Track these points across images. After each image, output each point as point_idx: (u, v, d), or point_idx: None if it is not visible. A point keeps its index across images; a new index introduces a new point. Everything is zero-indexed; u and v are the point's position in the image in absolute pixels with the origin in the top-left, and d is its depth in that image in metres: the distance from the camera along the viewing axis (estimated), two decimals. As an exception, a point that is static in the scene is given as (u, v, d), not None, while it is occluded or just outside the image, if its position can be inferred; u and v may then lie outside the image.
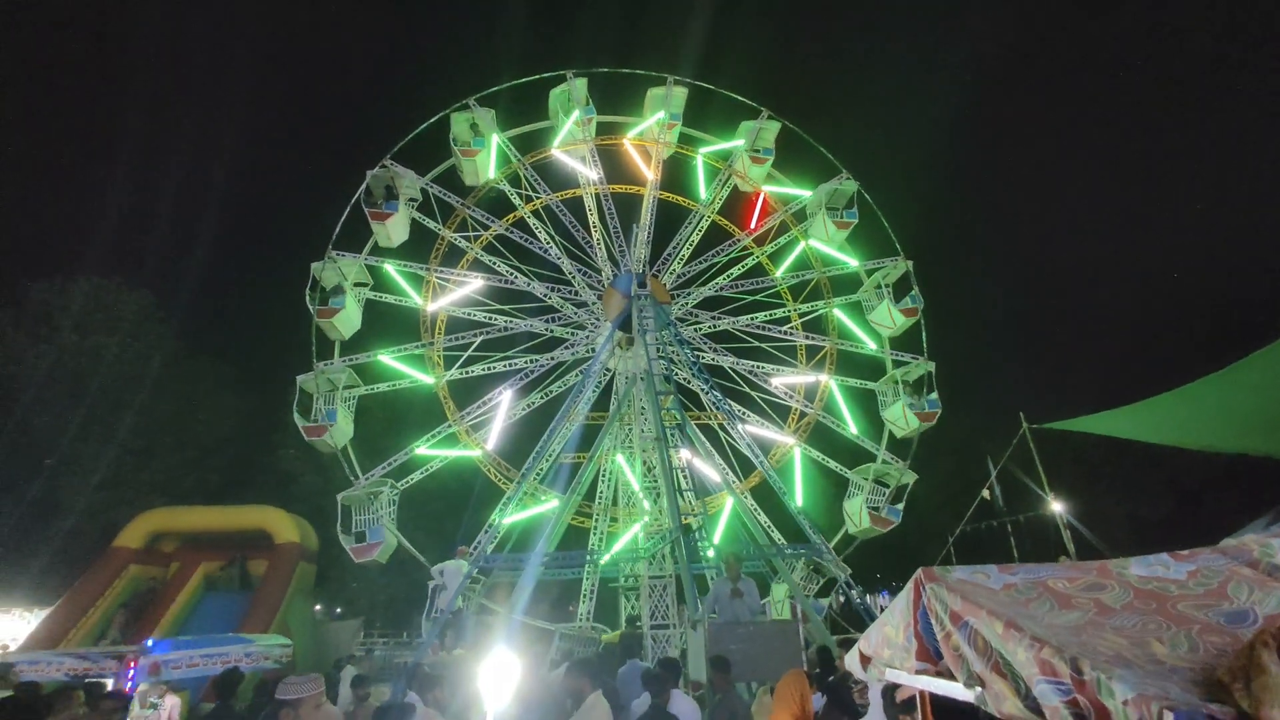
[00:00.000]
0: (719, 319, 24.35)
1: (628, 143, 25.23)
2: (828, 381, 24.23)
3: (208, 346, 33.21)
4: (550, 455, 20.70)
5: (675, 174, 25.90)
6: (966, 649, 2.22)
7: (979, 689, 2.18)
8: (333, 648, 17.76)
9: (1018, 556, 19.57)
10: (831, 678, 5.49)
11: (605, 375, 22.78)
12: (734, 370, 23.84)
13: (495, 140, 23.22)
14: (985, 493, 17.33)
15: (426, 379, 22.17)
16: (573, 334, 23.10)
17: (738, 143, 25.03)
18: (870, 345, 24.34)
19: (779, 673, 7.86)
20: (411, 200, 22.57)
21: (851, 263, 24.77)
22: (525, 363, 22.51)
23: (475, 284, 22.87)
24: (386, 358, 21.91)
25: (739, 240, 25.04)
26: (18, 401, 24.20)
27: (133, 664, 9.16)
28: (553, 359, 22.74)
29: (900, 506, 22.35)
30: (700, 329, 24.26)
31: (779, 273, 25.22)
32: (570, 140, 24.21)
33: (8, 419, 23.85)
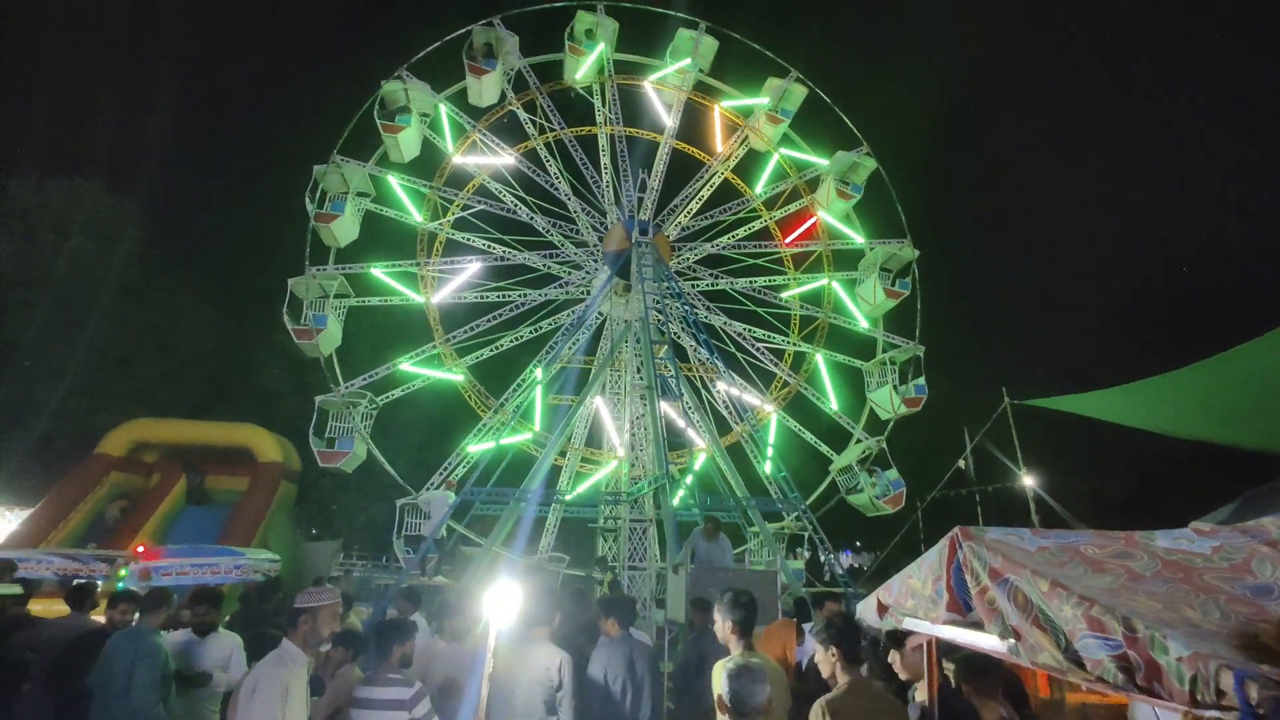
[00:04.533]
0: (719, 278, 24.24)
1: (648, 85, 24.52)
2: (815, 355, 24.40)
3: (191, 258, 32.50)
4: (528, 384, 20.95)
5: (691, 123, 25.32)
6: (1005, 603, 2.35)
7: (1013, 640, 2.32)
8: (311, 567, 18.01)
9: (982, 524, 20.37)
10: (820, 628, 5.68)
11: (597, 319, 22.82)
12: (724, 331, 23.85)
13: (514, 62, 22.59)
14: (961, 462, 17.83)
15: (417, 297, 22.12)
16: (569, 273, 22.97)
17: (762, 100, 24.34)
18: (864, 324, 24.33)
19: (759, 618, 8.23)
20: (424, 115, 22.09)
21: (859, 239, 24.54)
22: (518, 295, 22.40)
23: (478, 208, 22.65)
24: (379, 271, 21.77)
25: (748, 201, 24.69)
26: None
27: (123, 567, 9.27)
28: (544, 295, 22.67)
29: (923, 380, 22.95)
30: (699, 285, 24.17)
31: (787, 241, 25.00)
32: (590, 75, 23.56)
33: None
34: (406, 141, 21.48)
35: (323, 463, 19.90)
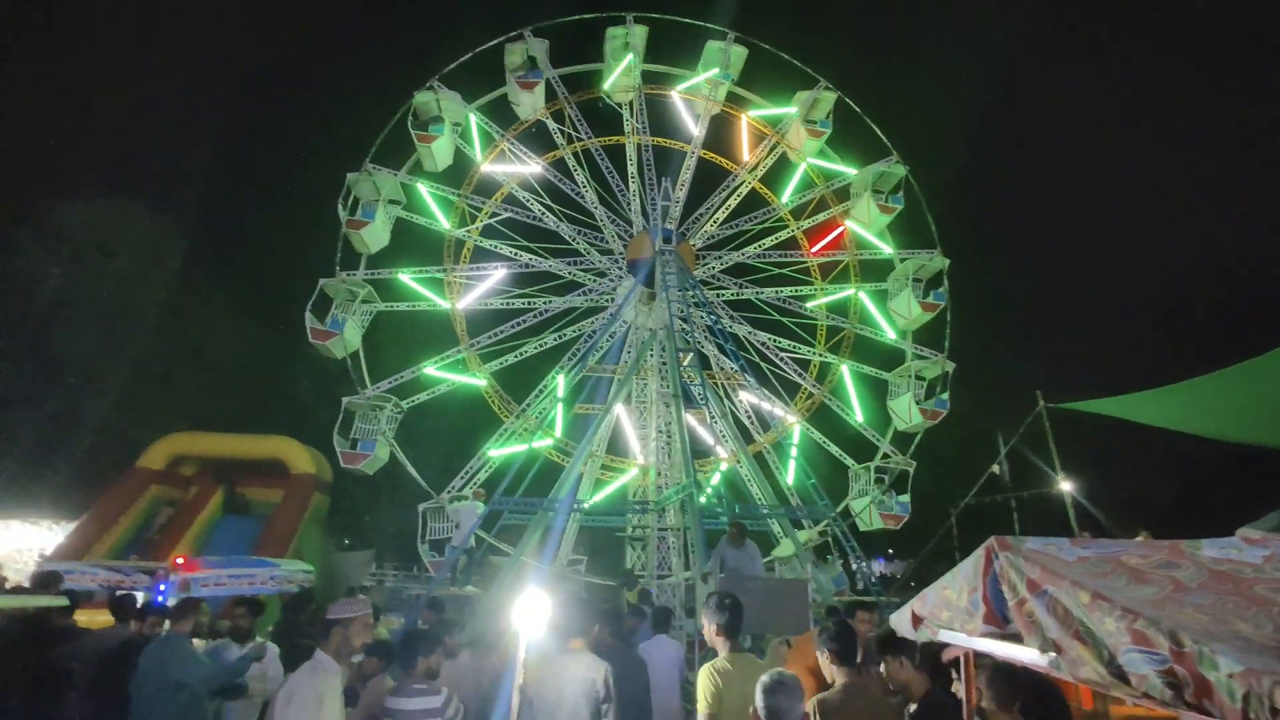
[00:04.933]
0: (744, 287, 24.12)
1: (676, 95, 24.68)
2: (841, 366, 24.06)
3: (226, 274, 33.33)
4: (549, 390, 21.07)
5: (719, 133, 25.40)
6: (1044, 616, 2.29)
7: (1054, 654, 2.25)
8: (344, 577, 18.25)
9: (1019, 531, 19.90)
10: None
11: (621, 327, 22.87)
12: (749, 340, 23.67)
13: (548, 72, 23.05)
14: (995, 467, 17.42)
15: (443, 303, 22.42)
16: (594, 280, 23.10)
17: (790, 110, 24.32)
18: (891, 335, 23.91)
19: (786, 627, 8.10)
20: (456, 125, 22.55)
21: (887, 250, 24.24)
22: (543, 302, 22.60)
23: (504, 216, 23.03)
24: (406, 277, 22.16)
25: (775, 210, 24.58)
26: (40, 318, 24.52)
27: (163, 579, 9.49)
28: (567, 302, 22.90)
29: (946, 396, 22.51)
30: (723, 294, 24.07)
31: (814, 249, 24.79)
32: (619, 86, 23.83)
33: (31, 334, 24.22)
34: (440, 150, 21.99)
35: (344, 463, 20.18)
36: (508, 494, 15.43)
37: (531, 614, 4.46)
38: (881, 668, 4.62)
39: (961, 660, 3.34)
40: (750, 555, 10.76)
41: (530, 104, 23.04)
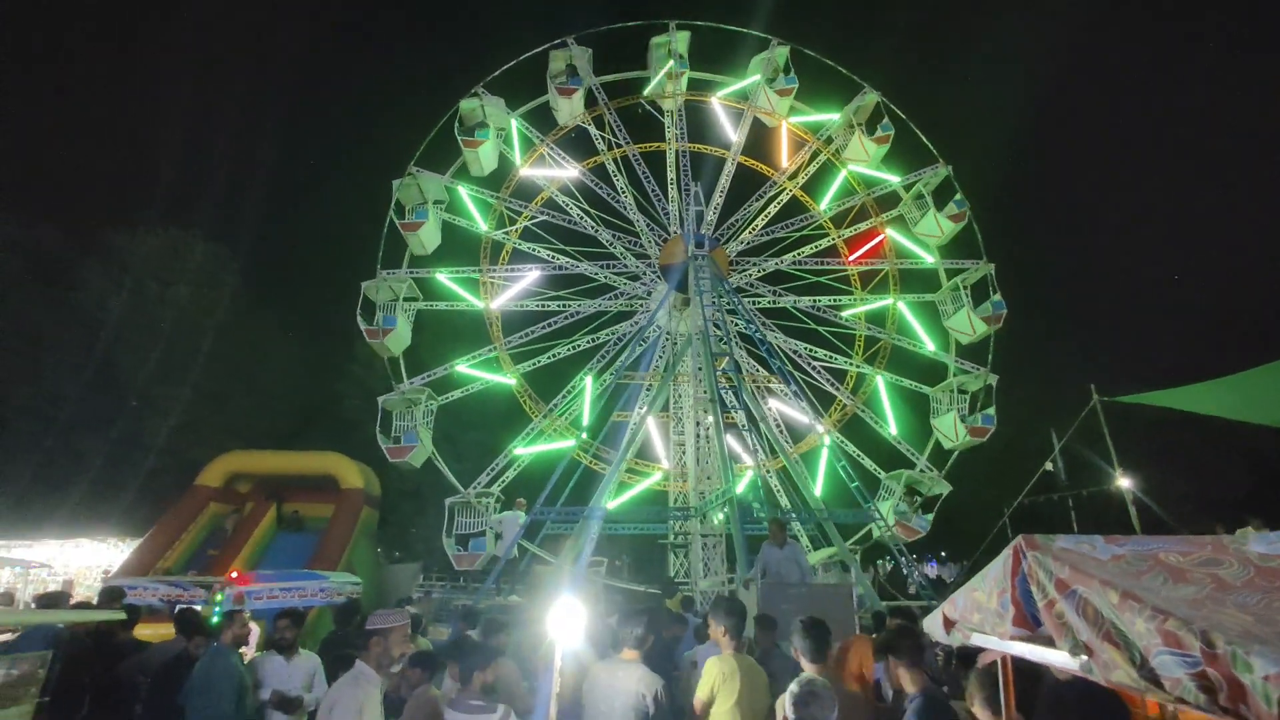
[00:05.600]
0: (780, 295, 23.88)
1: (716, 102, 24.76)
2: (876, 377, 23.59)
3: (274, 297, 34.56)
4: (577, 391, 21.16)
5: (759, 140, 25.28)
6: (1073, 617, 2.19)
7: (1084, 657, 2.15)
8: (393, 589, 18.63)
9: (1077, 531, 19.14)
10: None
11: (654, 333, 22.89)
12: (782, 349, 23.32)
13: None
14: (1048, 465, 16.80)
15: (479, 303, 22.87)
16: (628, 285, 23.22)
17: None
18: (930, 346, 23.42)
19: (832, 634, 7.95)
20: (500, 130, 23.08)
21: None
22: (576, 305, 22.87)
23: (540, 218, 23.46)
24: (444, 276, 22.67)
25: (814, 217, 24.35)
26: (104, 345, 25.80)
27: (219, 593, 9.83)
28: (600, 305, 23.12)
29: (992, 411, 21.91)
30: (759, 302, 23.87)
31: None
32: (660, 92, 24.11)
33: (96, 361, 25.48)
34: (485, 155, 22.57)
35: (391, 458, 20.50)
36: (549, 504, 15.54)
37: (567, 623, 4.47)
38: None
39: (998, 665, 3.22)
40: (794, 555, 10.59)
41: (569, 110, 23.40)
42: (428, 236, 21.90)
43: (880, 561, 32.09)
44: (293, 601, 10.32)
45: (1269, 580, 2.18)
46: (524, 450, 21.65)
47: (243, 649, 6.48)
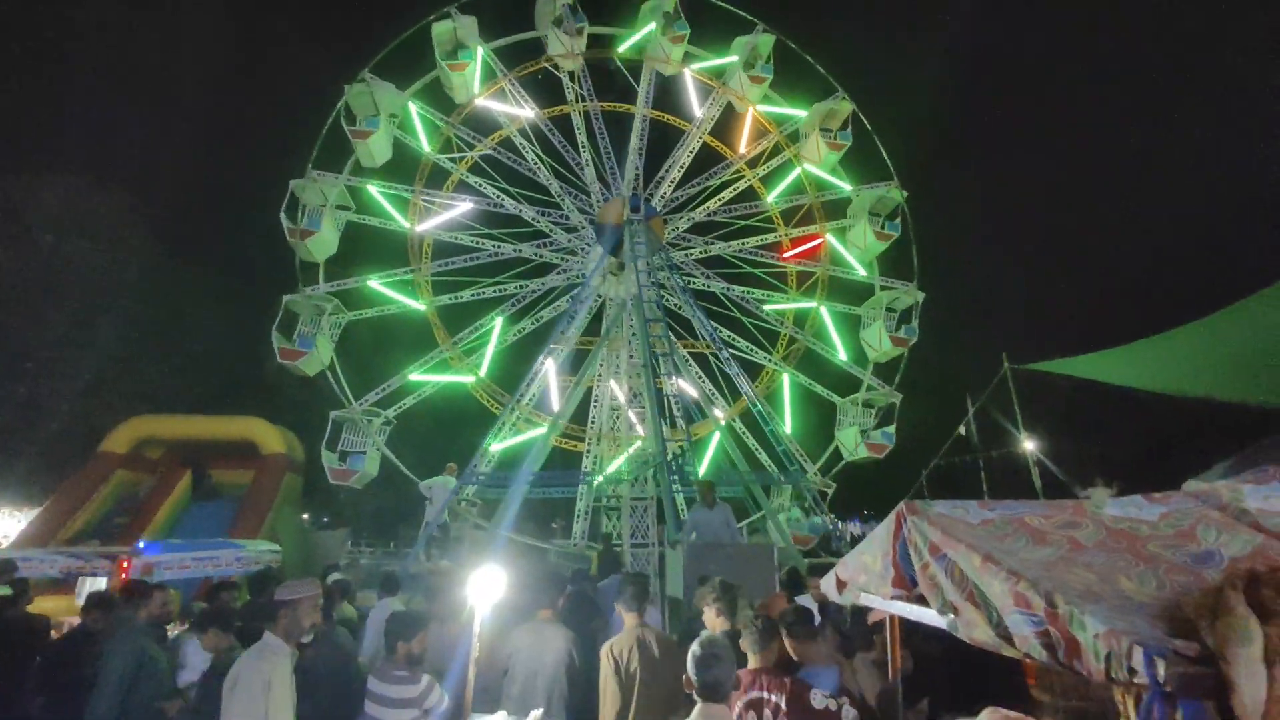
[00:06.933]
0: (711, 244, 24.02)
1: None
2: (818, 307, 24.19)
3: (191, 255, 32.57)
4: (541, 380, 20.85)
5: (664, 92, 24.95)
6: (943, 579, 2.31)
7: (951, 616, 2.28)
8: (320, 556, 18.23)
9: (987, 491, 20.39)
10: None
11: (596, 301, 22.70)
12: (725, 296, 23.67)
13: (480, 53, 22.02)
14: (961, 429, 17.75)
15: (416, 305, 21.76)
16: (563, 259, 22.82)
17: (732, 59, 23.86)
18: (860, 271, 23.98)
19: (755, 592, 8.26)
20: (393, 117, 21.48)
21: (845, 187, 24.21)
22: (515, 288, 22.24)
23: (463, 207, 22.23)
24: (374, 283, 21.34)
25: (731, 163, 24.38)
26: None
27: (125, 564, 9.38)
28: (544, 284, 22.55)
29: (892, 429, 22.55)
30: (692, 254, 23.97)
31: (771, 197, 24.69)
32: (558, 52, 23.11)
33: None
34: (377, 145, 20.85)
35: (333, 479, 19.63)
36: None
37: (486, 588, 4.46)
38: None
39: (887, 623, 3.39)
40: (723, 516, 10.83)
41: (468, 84, 22.06)
42: (319, 245, 20.17)
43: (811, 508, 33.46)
44: (207, 572, 9.99)
45: (1116, 541, 2.35)
46: (420, 376, 21.05)
47: (169, 626, 6.16)
